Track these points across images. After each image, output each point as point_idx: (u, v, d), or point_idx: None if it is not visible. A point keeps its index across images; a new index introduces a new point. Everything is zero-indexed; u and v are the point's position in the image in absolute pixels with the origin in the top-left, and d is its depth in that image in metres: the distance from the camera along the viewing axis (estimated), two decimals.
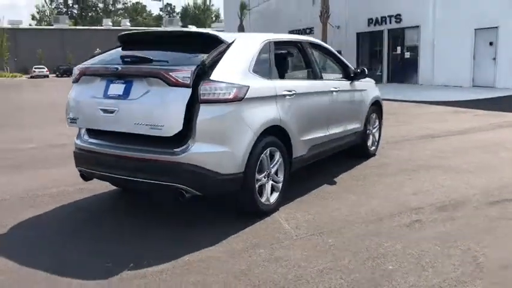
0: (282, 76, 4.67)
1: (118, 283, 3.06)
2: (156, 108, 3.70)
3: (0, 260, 3.43)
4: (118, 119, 3.86)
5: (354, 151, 6.37)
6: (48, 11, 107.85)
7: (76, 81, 4.28)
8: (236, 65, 4.01)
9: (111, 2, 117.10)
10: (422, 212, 4.34)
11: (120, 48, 4.48)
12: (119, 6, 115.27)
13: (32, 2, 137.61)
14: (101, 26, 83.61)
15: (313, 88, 4.99)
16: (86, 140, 4.27)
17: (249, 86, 3.95)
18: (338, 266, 3.24)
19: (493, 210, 4.33)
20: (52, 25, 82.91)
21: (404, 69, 22.12)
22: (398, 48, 22.54)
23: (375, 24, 23.37)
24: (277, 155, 4.36)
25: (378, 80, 22.21)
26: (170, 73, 3.64)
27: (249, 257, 3.43)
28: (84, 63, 4.35)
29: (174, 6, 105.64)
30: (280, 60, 4.64)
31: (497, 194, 4.79)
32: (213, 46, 3.97)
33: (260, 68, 4.25)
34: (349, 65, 5.92)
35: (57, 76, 60.38)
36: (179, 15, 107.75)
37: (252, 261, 3.34)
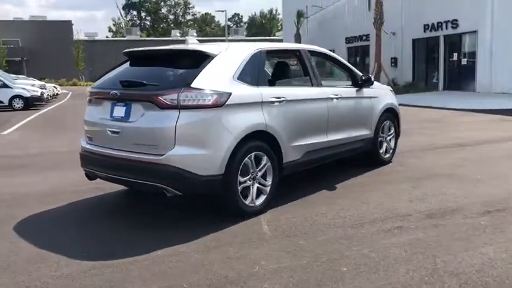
0: (272, 83, 4.84)
1: (90, 269, 3.37)
2: (152, 130, 4.05)
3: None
4: (122, 139, 4.26)
5: (365, 158, 6.38)
6: (123, 23, 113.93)
7: (89, 102, 4.73)
8: (219, 74, 4.25)
9: (181, 14, 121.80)
10: (408, 219, 4.33)
11: (128, 63, 4.86)
12: (188, 17, 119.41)
13: (109, 15, 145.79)
14: (169, 36, 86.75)
15: (307, 95, 5.11)
16: (86, 142, 4.68)
17: (231, 93, 4.17)
18: (294, 266, 3.36)
19: (483, 219, 4.24)
20: (125, 36, 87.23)
21: (461, 77, 21.27)
22: (455, 54, 21.72)
23: (430, 30, 22.69)
24: (265, 159, 4.53)
25: (434, 88, 21.58)
26: (159, 97, 3.98)
27: (216, 254, 3.64)
28: (94, 84, 4.80)
29: (242, 16, 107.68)
30: (271, 68, 4.81)
31: (495, 204, 4.65)
32: (200, 60, 4.25)
33: (247, 76, 4.46)
34: (357, 73, 5.97)
35: None
36: (246, 25, 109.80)
37: (216, 258, 3.54)
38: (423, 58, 23.95)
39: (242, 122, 4.27)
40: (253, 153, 4.40)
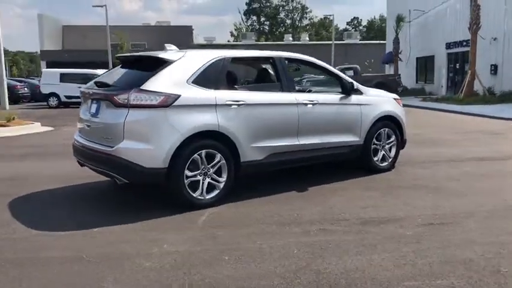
0: (233, 88, 5.21)
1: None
2: (108, 125, 4.73)
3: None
4: (92, 132, 5.04)
5: (358, 164, 6.43)
6: (244, 29, 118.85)
7: (83, 101, 5.54)
8: (172, 78, 4.76)
9: (297, 19, 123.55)
10: (339, 223, 4.43)
11: (119, 66, 5.59)
12: (305, 22, 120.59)
13: (235, 20, 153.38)
14: (282, 41, 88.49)
15: (272, 100, 5.38)
16: (77, 135, 5.48)
17: (179, 95, 4.66)
18: (186, 251, 3.76)
19: (413, 230, 4.19)
20: (241, 41, 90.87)
21: None
22: None
23: None
24: (218, 157, 4.93)
25: None
26: (114, 97, 4.62)
27: (134, 235, 4.17)
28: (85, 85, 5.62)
29: (361, 19, 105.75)
30: (233, 73, 5.19)
31: (447, 218, 4.53)
32: (159, 65, 4.81)
33: (203, 81, 4.90)
34: (345, 81, 6.05)
35: None
36: (365, 28, 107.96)
37: (130, 238, 4.07)
38: None
39: (190, 121, 4.72)
40: (203, 151, 4.83)
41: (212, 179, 4.96)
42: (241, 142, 5.07)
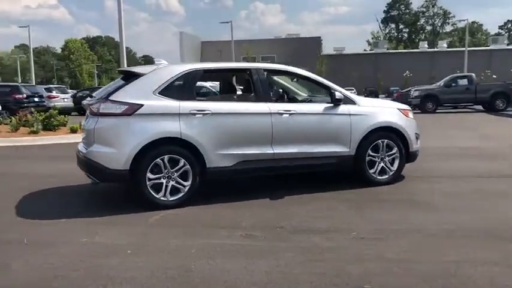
0: (200, 98, 5.56)
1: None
2: (87, 131, 5.50)
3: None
4: (84, 139, 5.80)
5: (354, 176, 6.30)
6: (381, 37, 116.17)
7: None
8: (139, 89, 5.31)
9: (439, 25, 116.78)
10: (271, 231, 4.48)
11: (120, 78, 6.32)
12: (448, 28, 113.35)
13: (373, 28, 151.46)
14: (417, 48, 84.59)
15: (241, 109, 5.60)
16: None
17: (142, 105, 5.18)
18: (105, 243, 4.24)
19: (337, 243, 4.14)
20: (372, 50, 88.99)
21: None
22: None
23: None
24: (182, 162, 5.33)
25: None
26: (90, 106, 5.32)
27: (81, 227, 4.76)
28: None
29: None
30: (202, 85, 5.55)
31: (390, 233, 4.34)
32: (131, 78, 5.41)
33: (169, 92, 5.36)
34: (333, 90, 5.99)
35: (365, 97, 64.45)
36: None
37: (74, 229, 4.68)
38: None
39: (151, 128, 5.20)
40: (166, 156, 5.26)
41: (177, 182, 5.35)
42: (206, 149, 5.38)
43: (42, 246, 4.19)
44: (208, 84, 15.90)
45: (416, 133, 6.55)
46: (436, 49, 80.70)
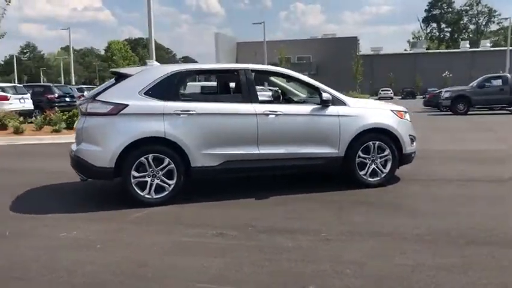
0: (186, 98, 5.67)
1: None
2: (77, 130, 5.73)
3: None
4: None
5: (345, 177, 6.27)
6: (422, 36, 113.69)
7: None
8: (125, 90, 5.48)
9: (483, 23, 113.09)
10: (241, 229, 4.56)
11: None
12: (493, 26, 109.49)
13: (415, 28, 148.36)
14: (458, 48, 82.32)
15: (226, 110, 5.68)
16: None
17: (127, 105, 5.35)
18: (78, 238, 4.43)
19: (298, 243, 4.16)
20: (411, 50, 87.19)
21: None
22: None
23: None
24: (166, 161, 5.46)
25: None
26: (79, 106, 5.54)
27: (64, 222, 4.97)
28: None
29: None
30: (185, 85, 5.67)
31: (351, 235, 4.34)
32: (120, 79, 5.60)
33: (155, 92, 5.51)
34: (322, 92, 5.97)
35: (401, 98, 63.19)
36: None
37: (55, 224, 4.88)
38: None
39: (135, 128, 5.35)
40: (150, 155, 5.40)
41: (161, 180, 5.48)
42: (191, 148, 5.49)
43: (20, 239, 4.42)
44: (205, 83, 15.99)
45: (410, 135, 6.44)
46: (476, 49, 78.21)
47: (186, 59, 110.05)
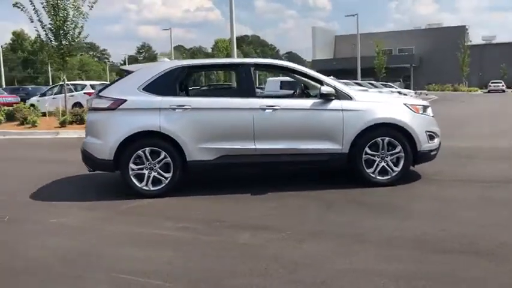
0: (183, 93, 5.76)
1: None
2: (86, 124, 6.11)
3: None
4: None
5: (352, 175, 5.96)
6: None
7: None
8: (126, 86, 5.73)
9: None
10: (209, 224, 4.59)
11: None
12: None
13: None
14: None
15: (221, 104, 5.66)
16: None
17: (125, 100, 5.60)
18: (63, 225, 4.73)
19: (254, 240, 4.10)
20: None
21: None
22: None
23: None
24: (163, 155, 5.62)
25: None
26: (87, 101, 5.93)
27: (60, 209, 5.34)
28: None
29: None
30: (186, 80, 5.77)
31: (339, 235, 4.15)
32: (124, 75, 5.87)
33: (153, 88, 5.67)
34: (325, 85, 5.73)
35: None
36: None
37: (50, 211, 5.24)
38: None
39: (133, 122, 5.57)
40: (147, 148, 5.60)
41: (158, 173, 5.65)
42: (186, 142, 5.58)
43: (14, 223, 4.85)
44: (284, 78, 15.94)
45: (428, 131, 5.91)
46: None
47: (290, 55, 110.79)
